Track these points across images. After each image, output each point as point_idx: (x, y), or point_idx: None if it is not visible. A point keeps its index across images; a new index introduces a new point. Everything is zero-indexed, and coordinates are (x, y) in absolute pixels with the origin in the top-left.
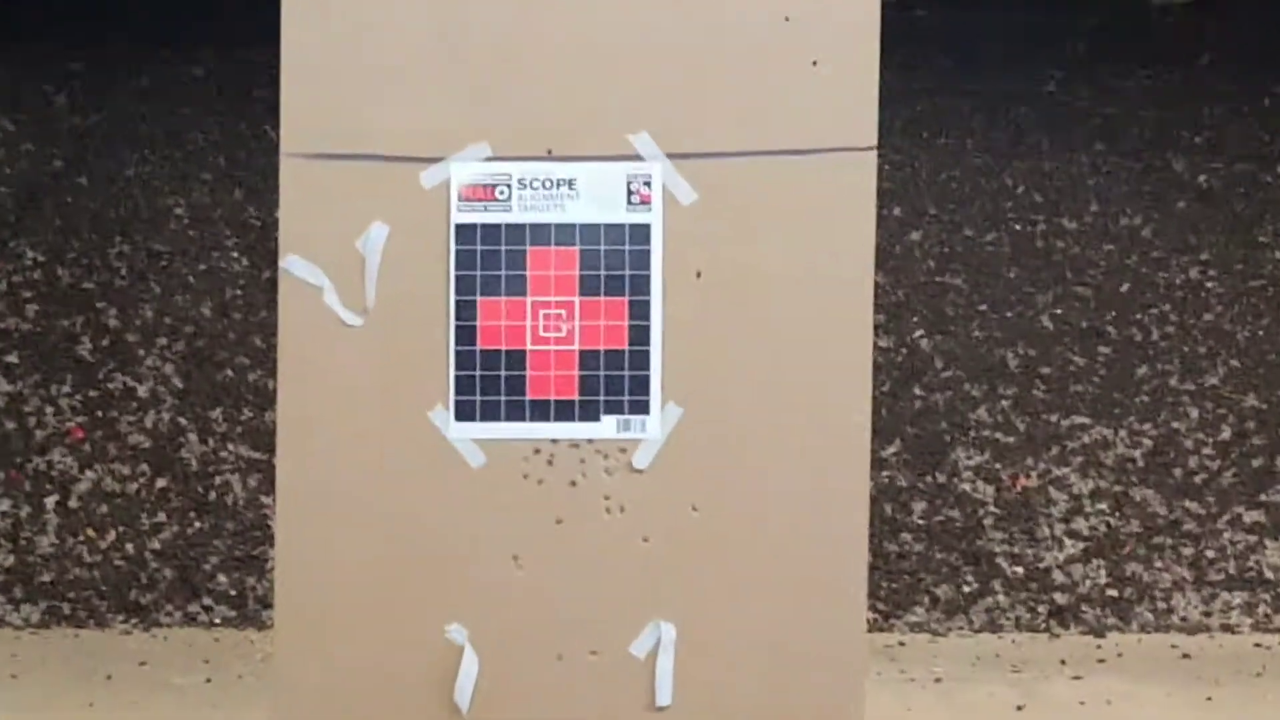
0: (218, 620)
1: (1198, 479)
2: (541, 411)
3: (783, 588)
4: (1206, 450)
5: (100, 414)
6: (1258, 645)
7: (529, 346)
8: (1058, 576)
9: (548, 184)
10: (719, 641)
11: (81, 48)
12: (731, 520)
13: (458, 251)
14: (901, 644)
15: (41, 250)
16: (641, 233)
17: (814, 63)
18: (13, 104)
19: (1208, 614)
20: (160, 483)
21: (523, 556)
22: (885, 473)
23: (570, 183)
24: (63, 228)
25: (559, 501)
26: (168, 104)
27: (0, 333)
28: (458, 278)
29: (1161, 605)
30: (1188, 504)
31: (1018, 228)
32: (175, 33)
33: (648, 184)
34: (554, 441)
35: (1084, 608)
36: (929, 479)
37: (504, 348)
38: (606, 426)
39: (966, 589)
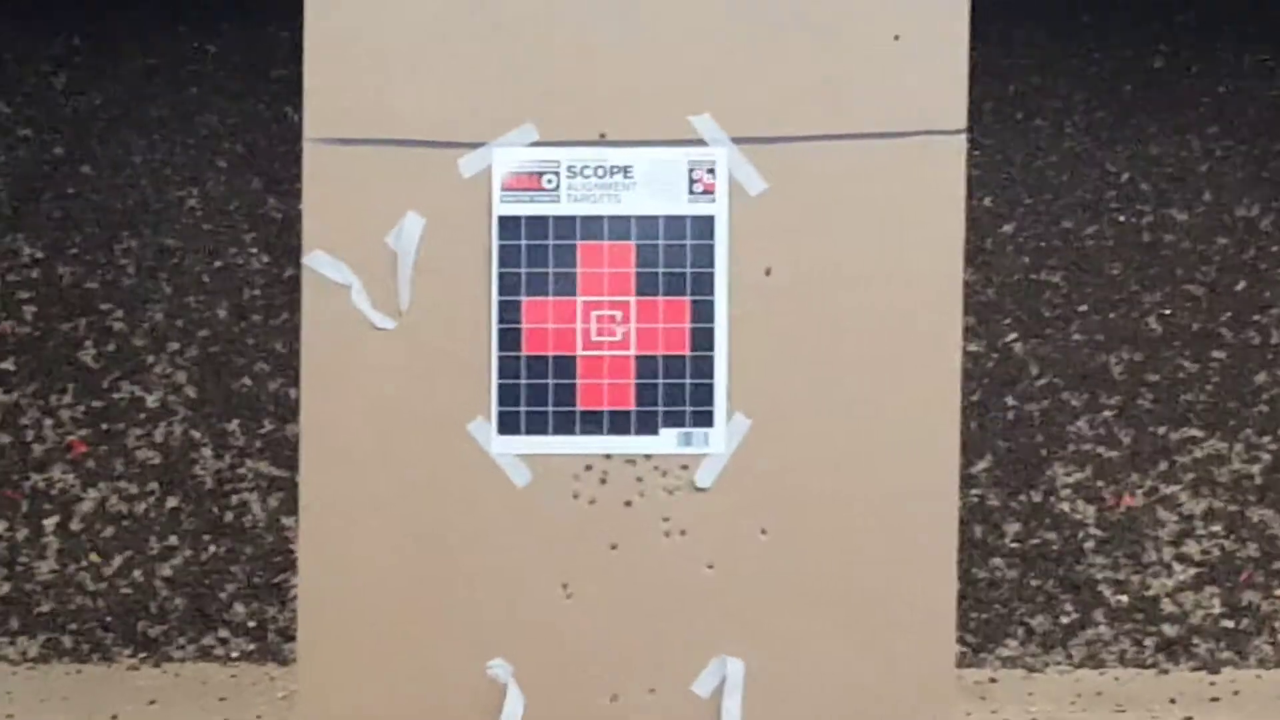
0: (235, 654)
1: None
2: (593, 424)
3: (861, 620)
4: None
5: (105, 427)
6: None
7: (580, 352)
8: (1167, 606)
9: (600, 171)
10: (791, 680)
11: (83, 22)
12: (804, 545)
13: (501, 247)
14: (993, 680)
15: (40, 246)
16: (705, 226)
17: (896, 37)
18: (8, 85)
19: None
20: (171, 502)
21: (573, 585)
22: (975, 491)
23: (626, 170)
24: (63, 221)
25: (613, 524)
26: (178, 84)
27: None
28: (501, 276)
29: None
30: None
31: (1121, 219)
32: (187, 5)
33: (712, 171)
34: (607, 457)
35: (1196, 640)
36: (1023, 498)
37: (552, 353)
38: (666, 440)
39: (1065, 620)
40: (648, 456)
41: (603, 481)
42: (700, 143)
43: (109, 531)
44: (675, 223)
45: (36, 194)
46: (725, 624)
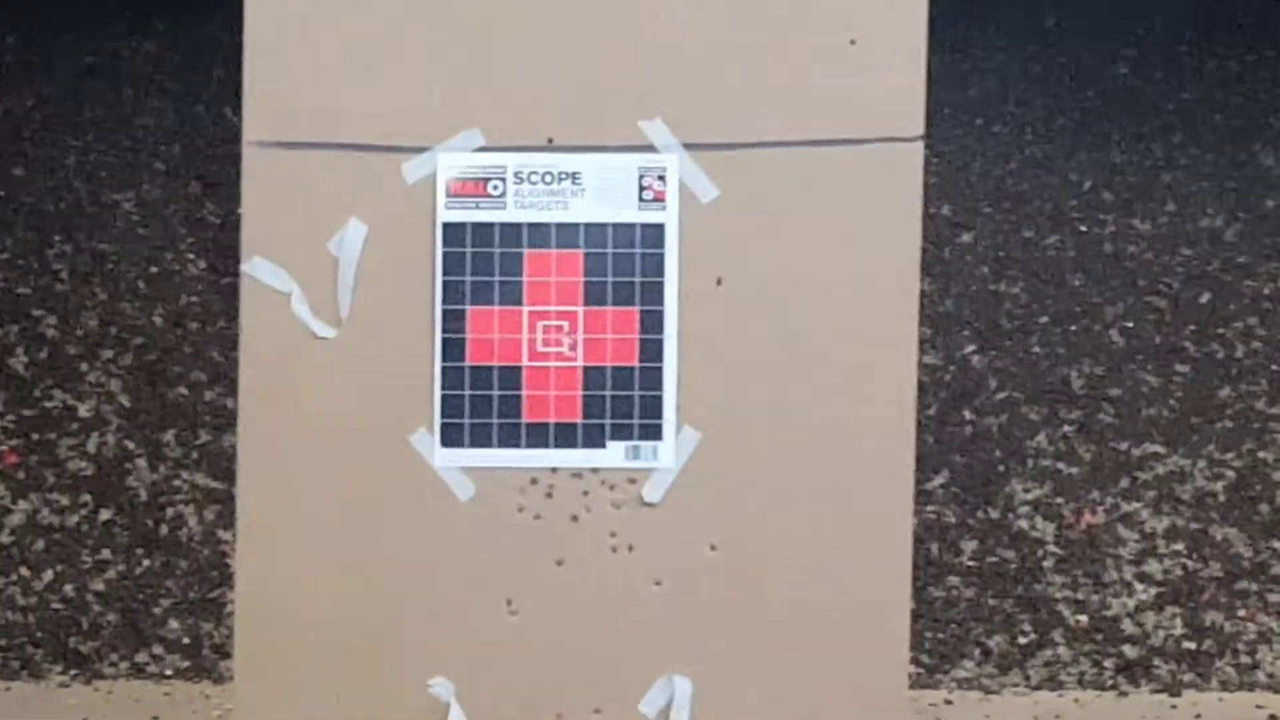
0: (169, 672)
1: None
2: (539, 437)
3: (812, 638)
4: None
5: (36, 436)
6: None
7: (525, 363)
8: (1127, 626)
9: (548, 178)
10: (740, 699)
11: (16, 19)
12: (754, 561)
13: (445, 254)
14: (949, 702)
15: None
16: (655, 234)
17: (852, 41)
18: None
19: None
20: (104, 515)
21: (517, 601)
22: (931, 507)
23: (574, 176)
24: None
25: (559, 539)
26: (114, 84)
27: None
28: (445, 284)
29: (1245, 660)
30: (1276, 544)
31: (1083, 229)
32: (123, 3)
33: (663, 178)
34: (553, 471)
35: (1157, 662)
36: (980, 515)
37: (497, 364)
38: (613, 454)
39: (1023, 640)
40: (595, 470)
41: (548, 495)
42: (651, 149)
43: (39, 544)
44: (624, 231)
45: None
46: (673, 642)
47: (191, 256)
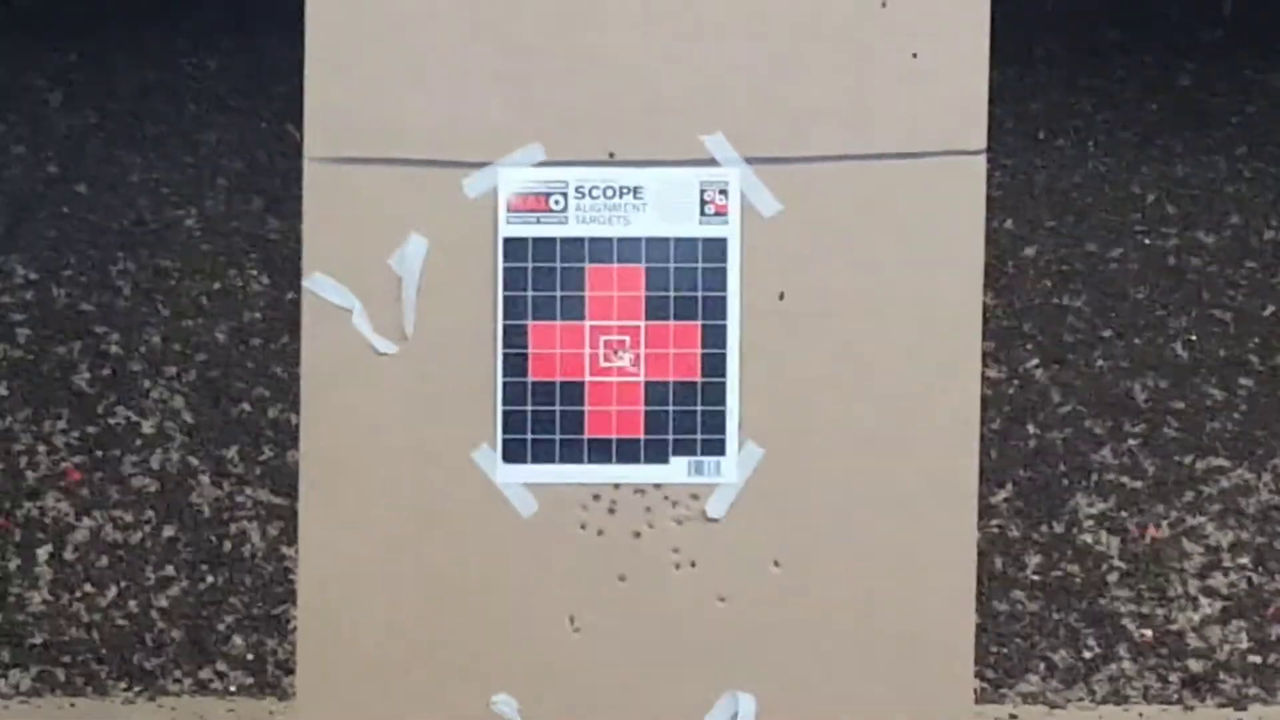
0: (233, 688)
1: None
2: (602, 452)
3: (876, 654)
4: None
5: (100, 453)
6: None
7: (587, 378)
8: (1192, 640)
9: (609, 192)
10: (803, 714)
11: (78, 37)
12: (817, 577)
13: (506, 269)
14: (1014, 717)
15: (34, 267)
16: (717, 248)
17: (914, 55)
18: (2, 102)
19: None
20: (168, 531)
21: (580, 618)
22: (995, 522)
23: (635, 191)
24: (58, 241)
25: (621, 555)
26: (177, 101)
27: None
28: (506, 299)
29: None
30: None
31: (1147, 242)
32: (185, 19)
33: (724, 192)
34: (616, 487)
35: (1222, 676)
36: (1045, 529)
37: (559, 379)
38: (676, 469)
39: (1088, 654)
40: (657, 486)
41: (611, 511)
42: (713, 163)
43: (103, 561)
44: (686, 245)
45: (31, 213)
46: (736, 658)
47: (254, 273)
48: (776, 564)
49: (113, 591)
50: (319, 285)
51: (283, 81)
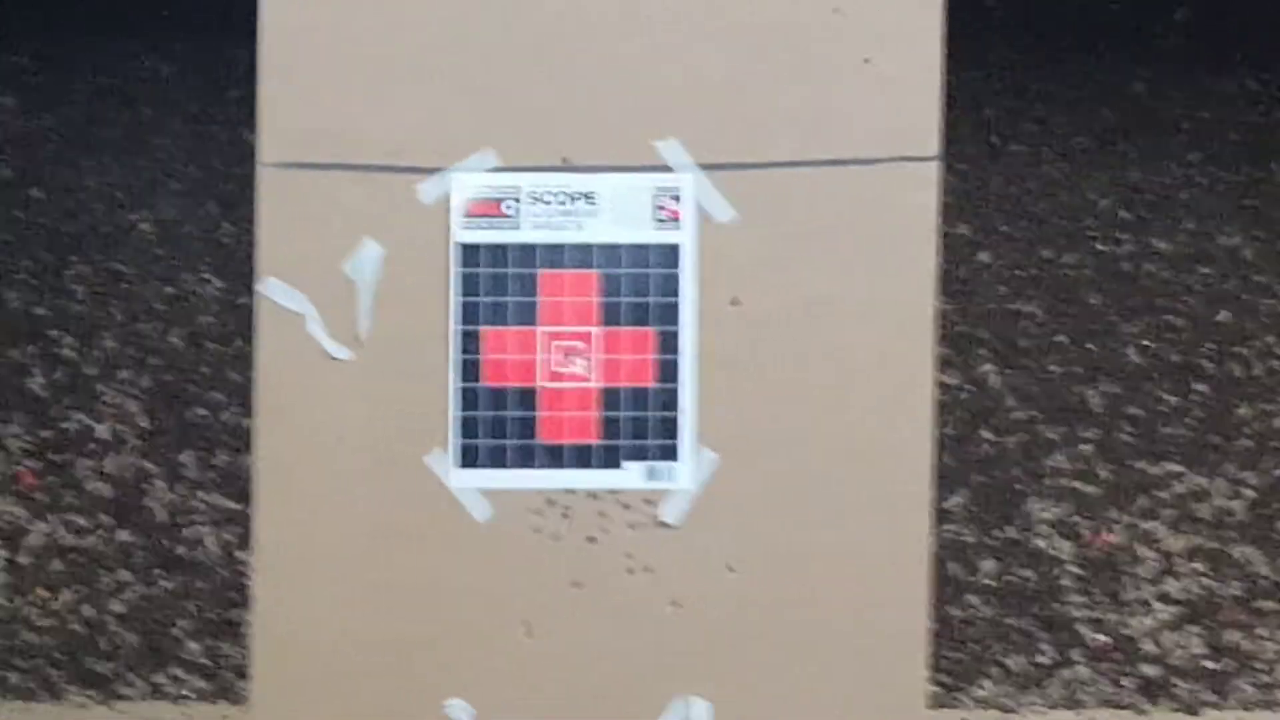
0: (188, 693)
1: None
2: (555, 458)
3: (830, 659)
4: None
5: (54, 457)
6: None
7: (541, 383)
8: (1146, 646)
9: (562, 198)
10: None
11: (32, 41)
12: (772, 582)
13: (460, 275)
14: None
15: None
16: (670, 254)
17: (867, 60)
18: None
19: None
20: (122, 536)
21: (534, 623)
22: (949, 527)
23: (588, 196)
24: (12, 245)
25: (576, 561)
26: (131, 105)
27: None
28: (460, 305)
29: (1265, 679)
30: None
31: (1101, 248)
32: (139, 23)
33: (677, 198)
34: (570, 492)
35: (1176, 681)
36: (999, 534)
37: (512, 385)
38: (630, 475)
39: (1042, 659)
40: (612, 491)
41: (565, 517)
42: (666, 168)
43: (58, 565)
44: (639, 251)
45: None
46: (691, 663)
47: (209, 277)
48: (731, 569)
49: (67, 596)
50: (272, 290)
51: (237, 86)
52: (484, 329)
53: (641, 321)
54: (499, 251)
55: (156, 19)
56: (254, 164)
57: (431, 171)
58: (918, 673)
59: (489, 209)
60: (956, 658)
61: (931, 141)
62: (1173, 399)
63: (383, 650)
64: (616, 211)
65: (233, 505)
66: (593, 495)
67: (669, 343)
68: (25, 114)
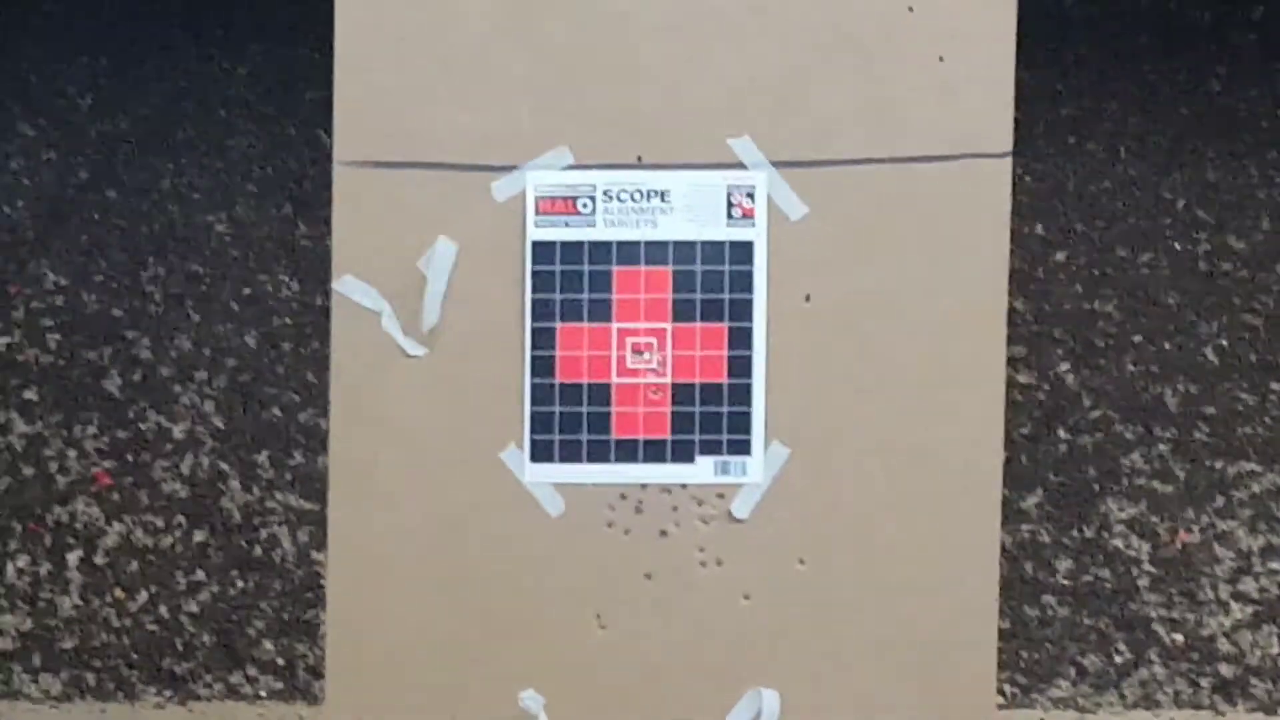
0: (263, 693)
1: None
2: (628, 452)
3: (900, 654)
4: None
5: (130, 458)
6: None
7: (614, 379)
8: (1223, 645)
9: (637, 195)
10: (826, 713)
11: (110, 44)
12: (842, 576)
13: (534, 272)
14: None
15: (64, 273)
16: (743, 251)
17: (940, 58)
18: (31, 108)
19: None
20: (198, 536)
21: (606, 615)
22: (1025, 526)
23: (663, 194)
24: (88, 247)
25: (648, 553)
26: (207, 107)
27: (18, 366)
28: (534, 302)
29: None
30: None
31: (1178, 247)
32: (215, 25)
33: (751, 196)
34: (643, 486)
35: (1254, 681)
36: (1075, 534)
37: (586, 381)
38: (702, 469)
39: (1118, 659)
40: (684, 485)
41: (638, 511)
42: (740, 166)
43: (134, 566)
44: (713, 248)
45: (61, 219)
46: (761, 656)
47: (284, 278)
48: (801, 563)
49: (143, 597)
50: (348, 288)
51: (312, 87)
52: (558, 326)
53: (715, 318)
54: (573, 249)
55: (231, 21)
56: (329, 165)
57: (506, 169)
58: (988, 669)
59: (563, 207)
60: (1033, 658)
61: (1004, 139)
62: (1250, 398)
63: (456, 646)
64: (690, 209)
65: (308, 505)
66: (665, 489)
67: (741, 339)
68: (102, 116)
